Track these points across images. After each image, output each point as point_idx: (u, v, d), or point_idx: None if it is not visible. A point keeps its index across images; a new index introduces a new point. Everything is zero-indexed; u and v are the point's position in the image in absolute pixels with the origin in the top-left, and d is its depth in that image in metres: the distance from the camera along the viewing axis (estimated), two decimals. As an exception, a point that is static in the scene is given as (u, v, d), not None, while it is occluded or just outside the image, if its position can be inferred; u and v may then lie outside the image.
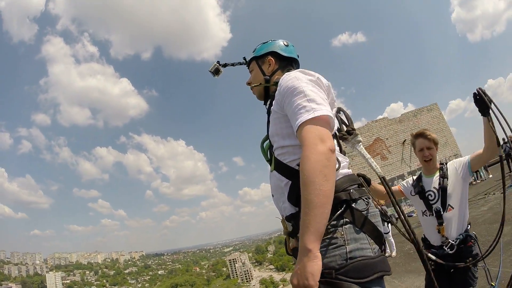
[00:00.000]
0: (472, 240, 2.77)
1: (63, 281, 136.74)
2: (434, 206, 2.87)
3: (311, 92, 1.45)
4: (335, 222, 1.37)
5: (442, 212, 2.80)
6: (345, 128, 1.70)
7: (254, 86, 1.95)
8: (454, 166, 2.91)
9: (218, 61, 2.19)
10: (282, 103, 1.53)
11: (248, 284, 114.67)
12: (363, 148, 1.67)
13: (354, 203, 1.42)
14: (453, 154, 22.48)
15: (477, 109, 2.40)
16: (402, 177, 20.93)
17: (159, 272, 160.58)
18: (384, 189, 2.64)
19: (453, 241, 2.74)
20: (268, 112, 1.75)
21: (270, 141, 1.69)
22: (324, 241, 1.34)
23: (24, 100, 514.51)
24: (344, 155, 1.67)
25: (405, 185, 3.21)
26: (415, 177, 3.15)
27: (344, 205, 1.40)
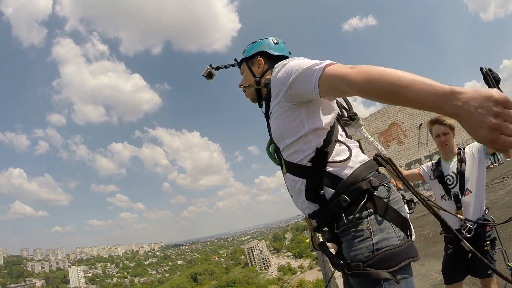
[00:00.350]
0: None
1: (85, 275, 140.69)
2: (452, 190, 2.94)
3: (303, 59, 1.42)
4: (358, 215, 1.35)
5: (460, 196, 2.88)
6: (346, 114, 1.69)
7: (245, 88, 1.92)
8: (471, 151, 2.96)
9: (210, 65, 2.16)
10: (285, 88, 1.44)
11: (266, 272, 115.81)
12: (366, 131, 1.70)
13: (375, 191, 1.38)
14: (470, 138, 21.93)
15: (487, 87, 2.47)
16: (419, 161, 20.75)
17: (179, 262, 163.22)
18: (403, 172, 2.72)
19: (471, 225, 2.79)
20: (266, 115, 1.69)
21: (275, 143, 1.64)
22: (349, 233, 1.37)
23: (38, 102, 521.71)
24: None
25: (425, 169, 3.27)
26: (434, 162, 3.21)
27: (366, 195, 1.37)
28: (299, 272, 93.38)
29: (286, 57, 1.82)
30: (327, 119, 1.50)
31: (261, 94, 1.85)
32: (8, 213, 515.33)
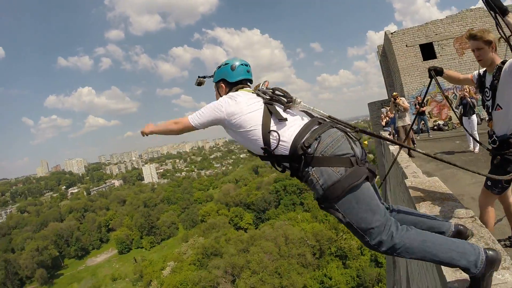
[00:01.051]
0: None
1: (157, 171, 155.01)
2: (487, 103, 3.04)
3: (205, 109, 2.22)
4: (304, 171, 1.90)
5: (490, 110, 2.98)
6: (285, 100, 2.11)
7: None
8: (506, 66, 2.79)
9: (199, 76, 2.76)
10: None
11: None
12: (305, 104, 2.12)
13: (308, 149, 1.86)
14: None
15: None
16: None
17: (241, 156, 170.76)
18: (459, 75, 3.39)
19: (496, 137, 2.95)
20: None
21: None
22: (308, 182, 1.91)
23: (94, 22, 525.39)
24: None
25: (476, 76, 3.24)
26: (482, 71, 3.14)
27: (303, 157, 1.88)
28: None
29: (243, 80, 2.51)
30: (253, 125, 2.06)
31: None
32: (83, 128, 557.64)
